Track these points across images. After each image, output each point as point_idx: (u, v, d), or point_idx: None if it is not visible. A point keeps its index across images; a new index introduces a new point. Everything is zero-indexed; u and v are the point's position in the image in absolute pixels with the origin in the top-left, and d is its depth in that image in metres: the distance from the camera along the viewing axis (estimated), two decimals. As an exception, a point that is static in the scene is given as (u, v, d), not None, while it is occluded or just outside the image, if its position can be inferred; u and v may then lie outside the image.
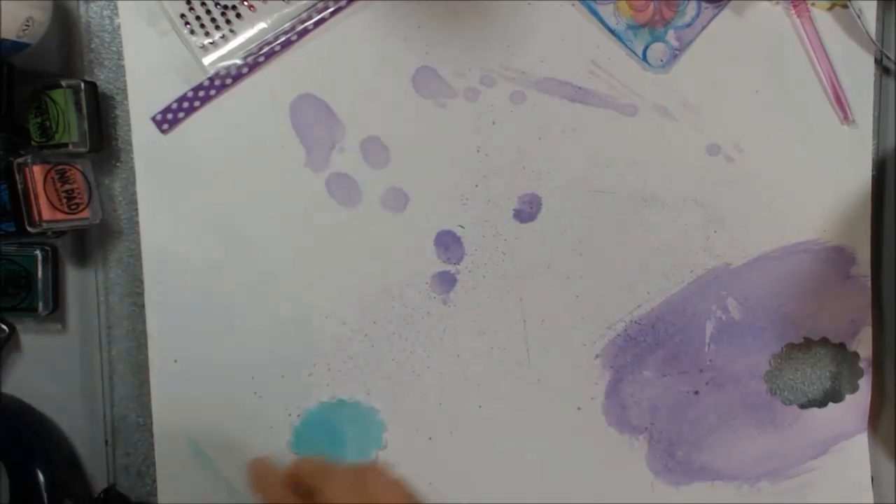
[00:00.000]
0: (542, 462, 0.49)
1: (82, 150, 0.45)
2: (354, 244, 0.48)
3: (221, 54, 0.46)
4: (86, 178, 0.46)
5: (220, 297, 0.48)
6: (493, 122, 0.48)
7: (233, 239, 0.48)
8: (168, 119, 0.47)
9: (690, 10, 0.47)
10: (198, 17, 0.46)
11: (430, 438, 0.49)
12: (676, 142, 0.48)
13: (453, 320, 0.48)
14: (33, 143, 0.45)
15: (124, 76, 0.47)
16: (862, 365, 0.48)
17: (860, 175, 0.48)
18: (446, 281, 0.48)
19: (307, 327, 0.48)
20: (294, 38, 0.47)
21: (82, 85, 0.45)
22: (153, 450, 0.48)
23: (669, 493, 0.49)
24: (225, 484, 0.48)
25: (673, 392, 0.49)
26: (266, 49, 0.47)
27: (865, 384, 0.48)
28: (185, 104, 0.47)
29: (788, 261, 0.48)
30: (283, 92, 0.47)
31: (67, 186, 0.45)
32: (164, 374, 0.48)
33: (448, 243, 0.48)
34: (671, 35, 0.47)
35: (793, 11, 0.47)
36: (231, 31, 0.46)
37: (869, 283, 0.48)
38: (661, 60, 0.48)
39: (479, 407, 0.48)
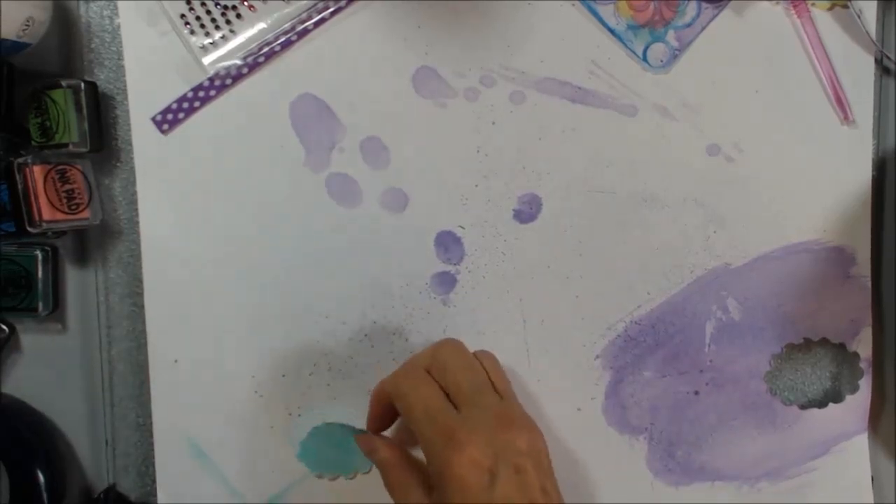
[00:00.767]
0: (542, 462, 0.49)
1: (82, 150, 0.45)
2: (354, 244, 0.48)
3: (221, 54, 0.46)
4: (86, 178, 0.46)
5: (220, 297, 0.48)
6: (493, 122, 0.48)
7: (233, 239, 0.48)
8: (168, 119, 0.47)
9: (690, 10, 0.47)
10: (198, 18, 0.46)
11: (430, 438, 0.48)
12: (676, 142, 0.48)
13: (453, 320, 0.48)
14: (33, 143, 0.45)
15: (124, 76, 0.47)
16: (862, 365, 0.48)
17: (860, 175, 0.48)
18: (446, 281, 0.48)
19: (307, 327, 0.48)
20: (294, 38, 0.47)
21: (82, 85, 0.45)
22: (153, 450, 0.48)
23: (669, 494, 0.49)
24: (225, 484, 0.48)
25: (673, 392, 0.49)
26: (266, 49, 0.47)
27: (865, 384, 0.48)
28: (185, 104, 0.47)
29: (788, 261, 0.48)
30: (283, 92, 0.47)
31: (67, 186, 0.45)
32: (164, 374, 0.48)
33: (448, 243, 0.48)
34: (671, 35, 0.47)
35: (793, 11, 0.47)
36: (231, 31, 0.46)
37: (869, 283, 0.48)
38: (661, 60, 0.48)
39: (479, 407, 0.48)
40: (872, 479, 0.49)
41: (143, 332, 0.48)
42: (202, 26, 0.46)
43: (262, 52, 0.47)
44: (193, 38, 0.46)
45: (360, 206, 0.48)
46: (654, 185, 0.48)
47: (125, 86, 0.47)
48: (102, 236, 0.48)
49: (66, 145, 0.45)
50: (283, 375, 0.48)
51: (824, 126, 0.48)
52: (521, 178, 0.48)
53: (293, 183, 0.47)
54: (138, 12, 0.46)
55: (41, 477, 0.47)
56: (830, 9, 0.47)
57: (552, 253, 0.48)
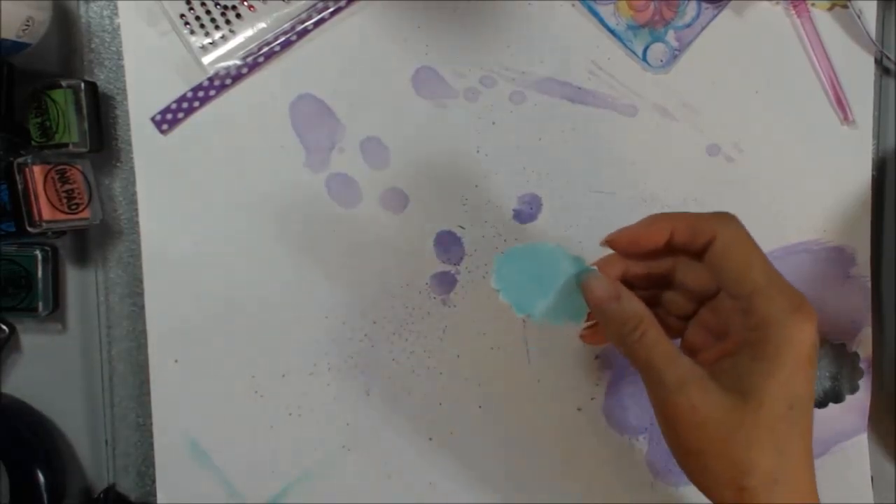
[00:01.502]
0: (542, 462, 0.49)
1: (82, 150, 0.45)
2: (354, 244, 0.48)
3: (221, 54, 0.46)
4: (86, 178, 0.46)
5: (220, 297, 0.48)
6: (493, 123, 0.48)
7: (233, 239, 0.48)
8: (168, 119, 0.47)
9: (690, 10, 0.47)
10: (198, 18, 0.46)
11: (430, 439, 0.49)
12: (676, 142, 0.48)
13: (453, 320, 0.48)
14: (33, 143, 0.45)
15: (124, 76, 0.47)
16: (862, 365, 0.48)
17: (860, 175, 0.48)
18: (446, 281, 0.48)
19: (307, 327, 0.48)
20: (294, 38, 0.47)
21: (82, 85, 0.45)
22: (153, 450, 0.48)
23: (670, 494, 0.49)
24: (225, 484, 0.48)
25: (673, 392, 0.49)
26: (266, 49, 0.47)
27: (865, 384, 0.48)
28: (185, 104, 0.47)
29: (788, 261, 0.48)
30: (283, 92, 0.47)
31: (67, 186, 0.45)
32: (164, 374, 0.48)
33: (448, 243, 0.48)
34: (671, 35, 0.47)
35: (793, 11, 0.47)
36: (231, 31, 0.46)
37: (869, 283, 0.48)
38: (661, 60, 0.48)
39: (479, 407, 0.48)
40: (872, 479, 0.49)
41: (143, 332, 0.48)
42: (202, 26, 0.46)
43: (261, 52, 0.47)
44: (193, 38, 0.46)
45: (360, 206, 0.48)
46: (654, 185, 0.48)
47: (125, 86, 0.47)
48: (102, 236, 0.48)
49: (66, 145, 0.45)
50: (283, 375, 0.48)
51: (824, 126, 0.48)
52: (521, 178, 0.48)
53: (293, 183, 0.47)
54: (138, 12, 0.46)
55: (41, 477, 0.47)
56: (830, 9, 0.47)
57: (552, 253, 0.48)
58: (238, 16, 0.46)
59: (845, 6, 0.47)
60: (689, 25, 0.47)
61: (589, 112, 0.48)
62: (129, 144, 0.47)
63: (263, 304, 0.48)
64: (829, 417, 0.49)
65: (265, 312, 0.48)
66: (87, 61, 0.47)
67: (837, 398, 0.48)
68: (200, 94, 0.47)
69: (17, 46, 0.43)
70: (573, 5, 0.47)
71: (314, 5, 0.47)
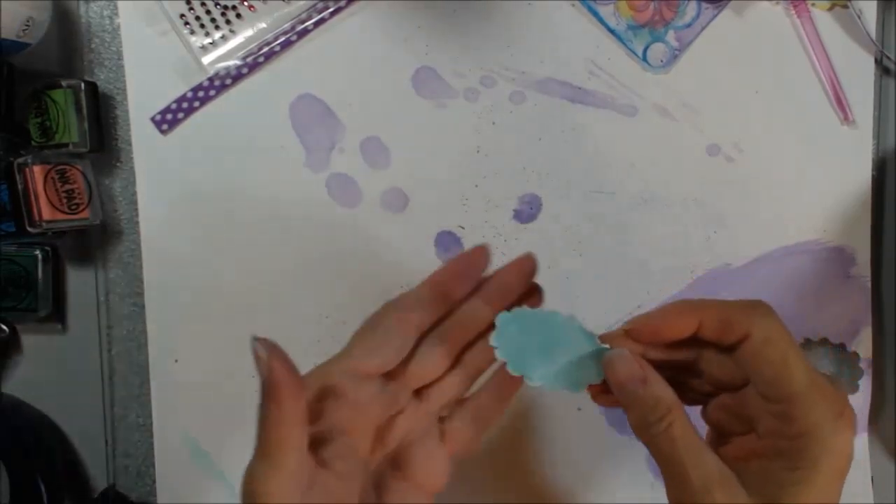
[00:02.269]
0: (543, 462, 0.49)
1: (82, 150, 0.45)
2: (354, 244, 0.48)
3: (221, 54, 0.46)
4: (86, 178, 0.46)
5: (220, 296, 0.48)
6: (493, 123, 0.48)
7: (232, 239, 0.48)
8: (168, 119, 0.47)
9: (690, 10, 0.47)
10: (198, 18, 0.46)
11: (430, 438, 0.48)
12: (676, 142, 0.48)
13: (453, 320, 0.48)
14: (33, 143, 0.45)
15: (124, 76, 0.47)
16: (862, 365, 0.48)
17: (860, 175, 0.48)
18: (446, 281, 0.48)
19: (307, 327, 0.48)
20: (294, 38, 0.47)
21: (82, 85, 0.45)
22: (153, 450, 0.48)
23: (669, 494, 0.49)
24: (225, 484, 0.48)
25: (673, 392, 0.49)
26: (266, 49, 0.47)
27: (865, 384, 0.48)
28: (185, 104, 0.47)
29: (788, 261, 0.48)
30: (283, 92, 0.47)
31: (67, 186, 0.45)
32: (164, 374, 0.48)
33: (448, 244, 0.48)
34: (671, 35, 0.47)
35: (793, 11, 0.47)
36: (231, 31, 0.46)
37: (869, 284, 0.48)
38: (661, 60, 0.48)
39: (479, 407, 0.48)
40: (872, 479, 0.49)
41: (143, 332, 0.48)
42: (202, 26, 0.46)
43: (261, 52, 0.47)
44: (193, 38, 0.46)
45: (360, 206, 0.48)
46: (654, 185, 0.48)
47: (125, 86, 0.47)
48: (102, 236, 0.48)
49: (66, 145, 0.45)
50: (283, 375, 0.48)
51: (824, 126, 0.48)
52: (521, 178, 0.48)
53: (293, 183, 0.47)
54: (138, 12, 0.46)
55: (41, 477, 0.47)
56: (830, 9, 0.47)
57: (552, 253, 0.48)
58: (238, 16, 0.46)
59: (845, 6, 0.47)
60: (689, 25, 0.47)
61: (589, 112, 0.48)
62: (129, 144, 0.47)
63: (263, 304, 0.48)
64: (829, 417, 0.49)
65: (265, 312, 0.48)
66: (87, 61, 0.47)
67: (837, 398, 0.48)
68: (200, 94, 0.47)
69: (17, 46, 0.43)
70: (573, 5, 0.47)
71: (314, 5, 0.47)
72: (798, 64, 0.48)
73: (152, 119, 0.47)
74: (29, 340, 0.49)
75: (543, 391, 0.48)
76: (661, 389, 0.31)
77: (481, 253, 0.36)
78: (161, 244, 0.47)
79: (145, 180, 0.47)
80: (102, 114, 0.47)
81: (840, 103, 0.48)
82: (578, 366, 0.33)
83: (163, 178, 0.47)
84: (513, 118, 0.48)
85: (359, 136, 0.48)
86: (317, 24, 0.47)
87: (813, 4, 0.47)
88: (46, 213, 0.44)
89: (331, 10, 0.47)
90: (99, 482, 0.50)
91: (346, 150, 0.48)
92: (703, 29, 0.47)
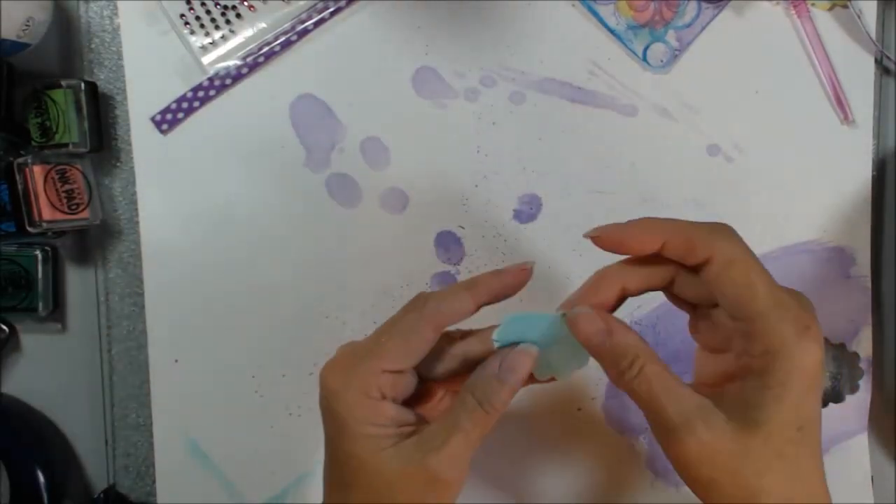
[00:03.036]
0: (542, 462, 0.49)
1: (82, 150, 0.45)
2: (354, 244, 0.48)
3: (221, 54, 0.46)
4: (86, 178, 0.46)
5: (220, 296, 0.48)
6: (493, 123, 0.48)
7: (233, 239, 0.48)
8: (168, 119, 0.47)
9: (690, 10, 0.47)
10: (198, 18, 0.46)
11: (430, 438, 0.48)
12: (676, 142, 0.48)
13: (453, 320, 0.48)
14: (33, 143, 0.45)
15: (124, 76, 0.47)
16: (862, 365, 0.48)
17: (860, 175, 0.48)
18: (446, 281, 0.48)
19: (307, 327, 0.48)
20: (294, 38, 0.47)
21: (82, 85, 0.45)
22: (153, 450, 0.48)
23: (670, 494, 0.49)
24: (225, 484, 0.48)
25: (673, 392, 0.49)
26: (266, 49, 0.47)
27: (865, 384, 0.48)
28: (185, 104, 0.47)
29: (788, 261, 0.48)
30: (283, 92, 0.47)
31: (67, 186, 0.45)
32: (164, 374, 0.48)
33: (448, 244, 0.48)
34: (671, 35, 0.47)
35: (793, 11, 0.47)
36: (231, 31, 0.46)
37: (869, 283, 0.48)
38: (661, 60, 0.48)
39: (479, 407, 0.48)
40: (872, 479, 0.49)
41: (143, 332, 0.48)
42: (202, 26, 0.46)
43: (261, 52, 0.47)
44: (193, 38, 0.46)
45: (360, 206, 0.48)
46: (654, 185, 0.48)
47: (125, 86, 0.47)
48: (102, 236, 0.48)
49: (66, 145, 0.45)
50: (283, 375, 0.48)
51: (824, 126, 0.48)
52: (521, 178, 0.48)
53: (293, 183, 0.47)
54: (138, 12, 0.46)
55: (41, 477, 0.47)
56: (830, 9, 0.47)
57: (552, 253, 0.48)
58: (238, 16, 0.46)
59: (845, 6, 0.47)
60: (689, 25, 0.47)
61: (589, 112, 0.48)
62: (129, 144, 0.47)
63: (263, 304, 0.48)
64: (829, 417, 0.48)
65: (265, 312, 0.48)
66: (87, 61, 0.47)
67: (837, 398, 0.48)
68: (200, 94, 0.47)
69: (17, 46, 0.43)
70: (573, 5, 0.47)
71: (314, 5, 0.47)
72: (798, 64, 0.48)
73: (152, 119, 0.47)
74: (29, 340, 0.49)
75: (543, 391, 0.48)
76: (627, 336, 0.32)
77: (527, 275, 0.36)
78: (161, 244, 0.47)
79: (145, 180, 0.47)
80: (102, 114, 0.47)
81: (840, 103, 0.48)
82: (567, 344, 0.34)
83: (163, 178, 0.47)
84: (513, 118, 0.48)
85: (359, 136, 0.48)
86: (317, 24, 0.47)
87: (813, 4, 0.47)
88: (46, 213, 0.44)
89: (331, 10, 0.47)
90: (99, 482, 0.50)
91: (346, 150, 0.48)
92: (703, 29, 0.47)
